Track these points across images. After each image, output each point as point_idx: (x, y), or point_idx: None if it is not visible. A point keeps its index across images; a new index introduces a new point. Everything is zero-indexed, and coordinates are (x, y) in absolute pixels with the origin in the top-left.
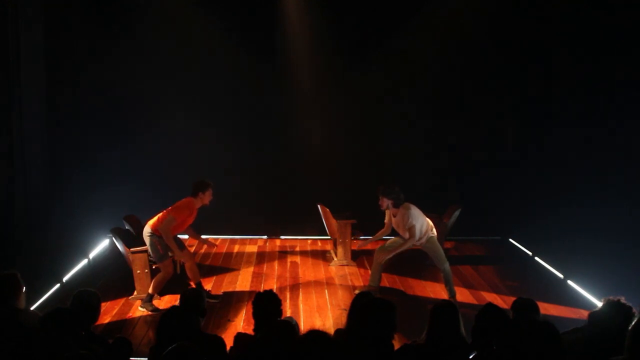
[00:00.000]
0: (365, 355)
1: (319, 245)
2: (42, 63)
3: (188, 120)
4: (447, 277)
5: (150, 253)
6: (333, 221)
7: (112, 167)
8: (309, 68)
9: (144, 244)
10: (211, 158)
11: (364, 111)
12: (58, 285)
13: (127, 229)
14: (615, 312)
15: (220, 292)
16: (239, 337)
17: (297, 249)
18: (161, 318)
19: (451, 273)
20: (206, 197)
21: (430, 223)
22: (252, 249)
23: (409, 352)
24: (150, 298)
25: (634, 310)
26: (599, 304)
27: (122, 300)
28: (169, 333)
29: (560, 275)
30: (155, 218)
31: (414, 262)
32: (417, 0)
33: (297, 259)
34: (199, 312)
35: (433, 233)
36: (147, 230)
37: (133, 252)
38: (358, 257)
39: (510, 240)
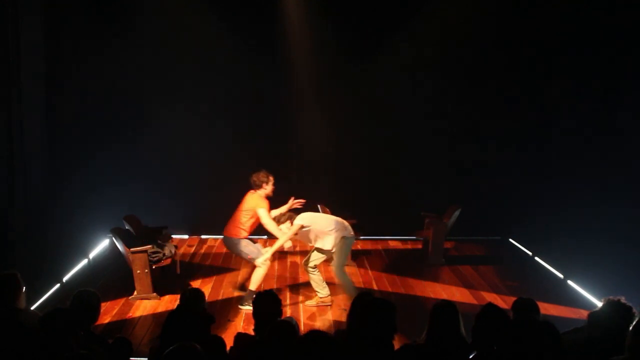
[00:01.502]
0: (365, 355)
1: None
2: (42, 63)
3: (188, 120)
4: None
5: (248, 254)
6: None
7: (112, 167)
8: (309, 68)
9: (144, 244)
10: (211, 158)
11: (365, 111)
12: (58, 285)
13: (127, 229)
14: (615, 312)
15: (220, 292)
16: (239, 337)
17: (297, 249)
18: (167, 318)
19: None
20: (269, 188)
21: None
22: None
23: (409, 352)
24: (253, 295)
25: (634, 310)
26: (599, 304)
27: (122, 300)
28: (172, 333)
29: (560, 275)
30: (231, 225)
31: (414, 262)
32: (417, 0)
33: (297, 259)
34: (198, 312)
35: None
36: (231, 240)
37: (133, 252)
38: (358, 257)
39: (510, 240)
